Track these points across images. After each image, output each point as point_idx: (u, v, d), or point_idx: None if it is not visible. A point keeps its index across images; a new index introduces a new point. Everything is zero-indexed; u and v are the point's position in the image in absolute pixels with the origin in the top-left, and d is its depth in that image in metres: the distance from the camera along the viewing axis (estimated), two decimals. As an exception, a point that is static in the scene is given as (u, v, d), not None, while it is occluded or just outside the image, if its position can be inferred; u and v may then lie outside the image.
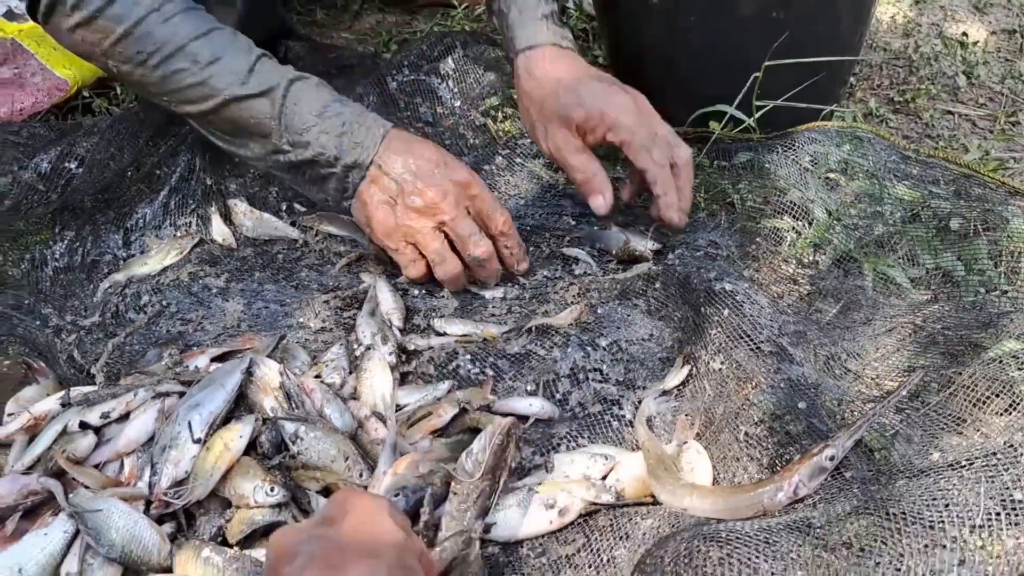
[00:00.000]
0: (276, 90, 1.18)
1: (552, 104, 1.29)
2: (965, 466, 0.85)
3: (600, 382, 1.13)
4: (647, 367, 1.14)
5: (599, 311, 1.22)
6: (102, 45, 1.15)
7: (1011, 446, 0.84)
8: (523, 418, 1.07)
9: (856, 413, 1.02)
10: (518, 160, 1.58)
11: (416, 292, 1.28)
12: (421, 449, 0.98)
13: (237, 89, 1.17)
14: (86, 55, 1.20)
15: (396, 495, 0.89)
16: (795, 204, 1.32)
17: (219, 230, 1.39)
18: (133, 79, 1.19)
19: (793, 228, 1.31)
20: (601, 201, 1.29)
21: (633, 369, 1.14)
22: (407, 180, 1.20)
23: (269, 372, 1.00)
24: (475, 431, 0.99)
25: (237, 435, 0.92)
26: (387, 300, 1.23)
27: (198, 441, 0.92)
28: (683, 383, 1.10)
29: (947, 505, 0.79)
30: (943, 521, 0.78)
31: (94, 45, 1.16)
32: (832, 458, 0.90)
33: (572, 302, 1.25)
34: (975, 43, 1.93)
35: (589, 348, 1.16)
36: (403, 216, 1.20)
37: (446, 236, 1.22)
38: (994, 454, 0.84)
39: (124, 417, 0.98)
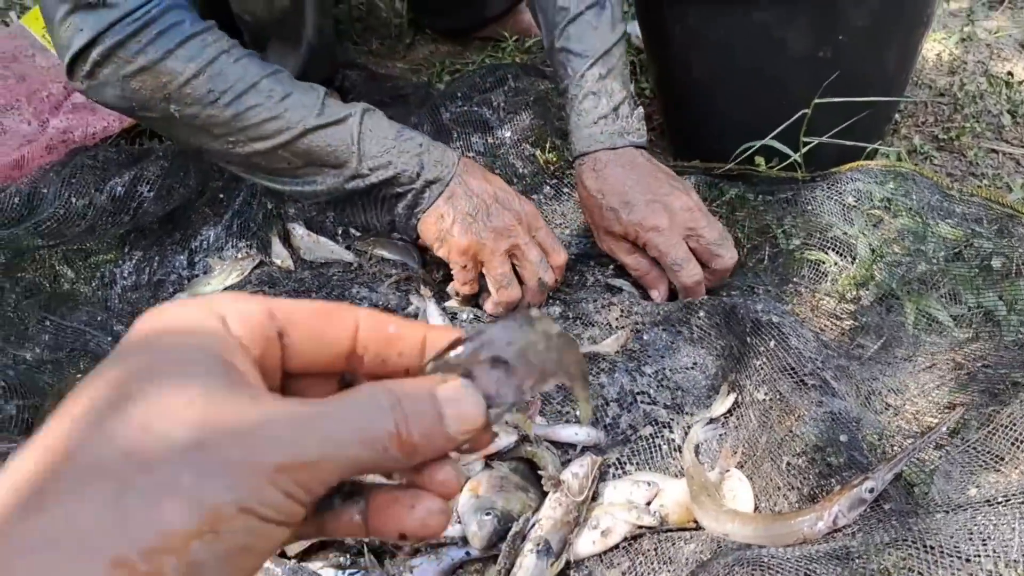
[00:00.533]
0: (352, 117, 1.23)
1: (599, 216, 1.35)
2: (1003, 503, 0.87)
3: (649, 404, 1.16)
4: (693, 395, 1.18)
5: (644, 337, 1.26)
6: (168, 88, 1.15)
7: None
8: (570, 446, 1.10)
9: (896, 448, 1.05)
10: (565, 190, 1.62)
11: (464, 317, 1.33)
12: (496, 473, 1.02)
13: (313, 120, 1.21)
14: (140, 103, 1.18)
15: (487, 514, 0.93)
16: (838, 240, 1.34)
17: (278, 252, 1.45)
18: (198, 121, 1.19)
19: (836, 264, 1.34)
20: (657, 294, 1.35)
21: (679, 396, 1.18)
22: (486, 200, 1.26)
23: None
24: (528, 462, 1.04)
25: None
26: (436, 322, 1.28)
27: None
28: (729, 411, 1.13)
29: (984, 540, 0.82)
30: (979, 555, 0.80)
31: (157, 90, 1.16)
32: (872, 490, 0.92)
33: (617, 326, 1.29)
34: (1020, 82, 1.94)
35: (636, 374, 1.19)
36: (481, 233, 1.25)
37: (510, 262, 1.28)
38: (1032, 492, 0.86)
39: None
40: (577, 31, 1.36)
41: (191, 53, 1.15)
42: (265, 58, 1.66)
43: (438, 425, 0.40)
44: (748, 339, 1.17)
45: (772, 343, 1.14)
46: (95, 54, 1.13)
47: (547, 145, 1.69)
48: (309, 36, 1.59)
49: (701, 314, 1.26)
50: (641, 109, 1.41)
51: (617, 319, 1.30)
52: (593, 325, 1.30)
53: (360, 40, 2.33)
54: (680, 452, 1.10)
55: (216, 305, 0.41)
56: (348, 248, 1.50)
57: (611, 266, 1.43)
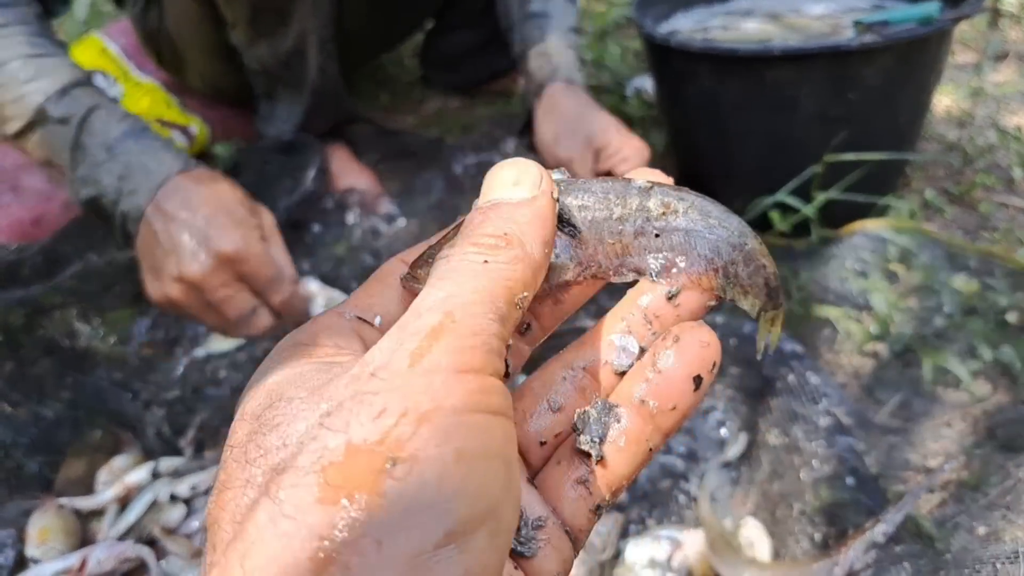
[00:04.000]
0: (74, 118, 1.06)
1: (582, 127, 1.47)
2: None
3: (664, 453, 1.16)
4: (706, 437, 1.17)
5: None
6: None
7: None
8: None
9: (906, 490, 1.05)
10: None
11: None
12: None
13: (48, 110, 1.05)
14: None
15: None
16: (853, 294, 1.35)
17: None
18: None
19: (852, 317, 1.34)
20: None
21: (693, 436, 1.17)
22: (174, 242, 1.03)
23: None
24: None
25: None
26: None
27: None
28: (742, 455, 1.13)
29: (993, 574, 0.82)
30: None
31: None
32: (885, 533, 0.92)
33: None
34: (1029, 135, 1.96)
35: None
36: (174, 285, 1.05)
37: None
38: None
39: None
40: (545, 3, 1.59)
41: None
42: (272, 105, 1.70)
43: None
44: (765, 371, 1.17)
45: (791, 377, 1.14)
46: None
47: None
48: (312, 77, 1.62)
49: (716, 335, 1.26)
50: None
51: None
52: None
53: (369, 95, 2.36)
54: (696, 502, 1.09)
55: None
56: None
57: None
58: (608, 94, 2.22)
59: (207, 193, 1.06)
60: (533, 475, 0.41)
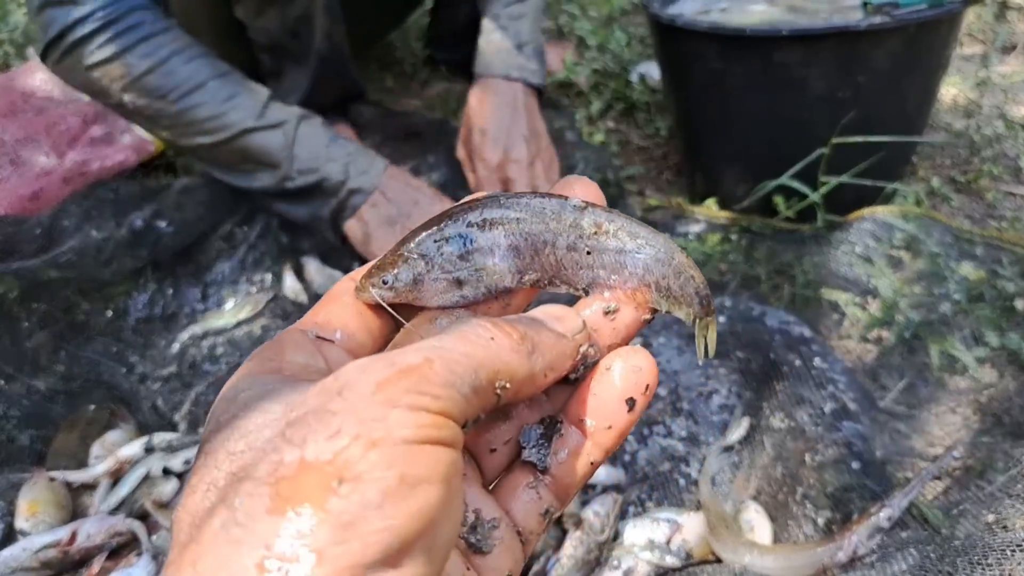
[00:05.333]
0: (288, 124, 1.35)
1: (474, 132, 1.52)
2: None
3: (665, 436, 1.14)
4: (707, 421, 1.15)
5: (653, 345, 1.23)
6: (123, 81, 1.28)
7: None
8: (590, 484, 1.08)
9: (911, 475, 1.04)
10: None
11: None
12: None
13: (252, 122, 1.32)
14: (99, 90, 1.31)
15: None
16: (860, 279, 1.33)
17: (291, 287, 1.44)
18: (148, 112, 1.31)
19: (857, 303, 1.32)
20: None
21: (694, 425, 1.15)
22: (406, 205, 1.37)
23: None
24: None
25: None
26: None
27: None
28: (744, 438, 1.12)
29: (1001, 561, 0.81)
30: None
31: (114, 80, 1.28)
32: (890, 518, 0.91)
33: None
34: (1037, 126, 1.94)
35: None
36: (399, 234, 1.32)
37: None
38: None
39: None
40: None
41: (147, 51, 1.27)
42: (280, 80, 1.69)
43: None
44: (772, 354, 1.15)
45: (798, 362, 1.12)
46: (64, 45, 1.26)
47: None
48: (319, 43, 1.62)
49: (721, 319, 1.24)
50: (544, 56, 1.61)
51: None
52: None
53: (375, 77, 2.34)
54: (697, 485, 1.08)
55: None
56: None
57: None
58: (614, 79, 2.20)
59: (414, 181, 1.42)
60: (489, 481, 0.44)
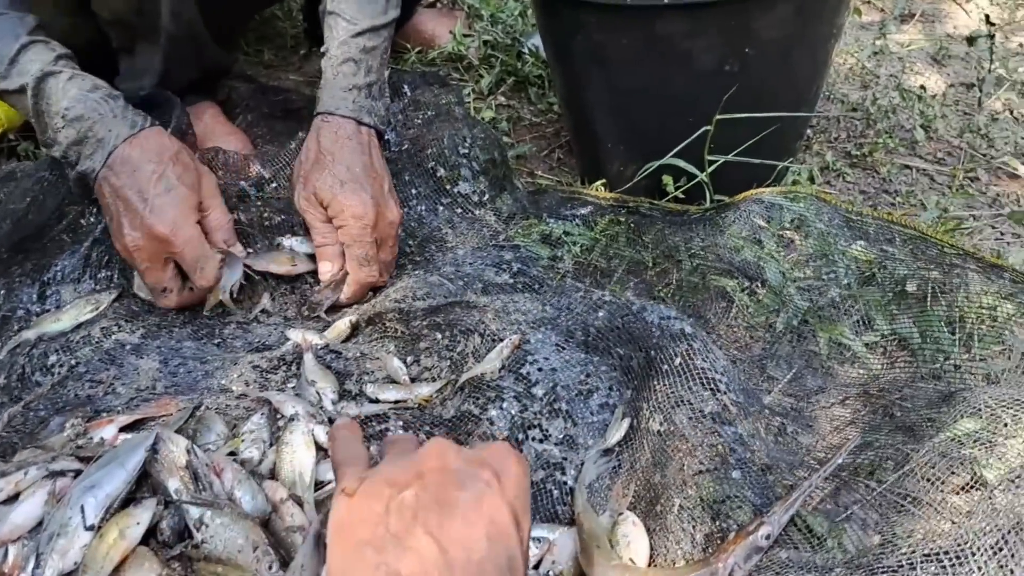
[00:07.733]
0: (28, 87, 1.20)
1: (317, 175, 1.30)
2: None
3: (540, 441, 1.05)
4: (586, 420, 1.07)
5: (531, 340, 1.14)
6: None
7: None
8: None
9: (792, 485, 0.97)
10: (458, 210, 1.52)
11: (348, 355, 1.20)
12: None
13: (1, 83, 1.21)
14: None
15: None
16: (748, 263, 1.26)
17: (140, 284, 1.31)
18: None
19: (745, 289, 1.26)
20: (325, 268, 1.33)
21: (572, 420, 1.06)
22: (131, 203, 1.20)
23: (176, 450, 0.92)
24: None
25: (134, 521, 0.84)
26: (315, 374, 1.14)
27: (91, 528, 0.83)
28: (623, 440, 1.04)
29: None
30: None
31: None
32: (768, 536, 0.84)
33: (496, 331, 1.17)
34: (933, 96, 1.91)
35: (526, 400, 1.07)
36: (123, 241, 1.21)
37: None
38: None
39: (14, 498, 0.89)
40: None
41: None
42: (132, 60, 1.55)
43: None
44: (652, 352, 1.07)
45: (678, 360, 1.05)
46: None
47: (449, 161, 1.58)
48: (166, 23, 1.46)
49: (600, 314, 1.16)
50: (389, 100, 1.45)
51: (494, 320, 1.18)
52: (473, 333, 1.18)
53: (251, 51, 2.20)
54: (573, 495, 0.99)
55: None
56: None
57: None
58: (505, 51, 2.09)
59: (151, 167, 1.21)
60: None
